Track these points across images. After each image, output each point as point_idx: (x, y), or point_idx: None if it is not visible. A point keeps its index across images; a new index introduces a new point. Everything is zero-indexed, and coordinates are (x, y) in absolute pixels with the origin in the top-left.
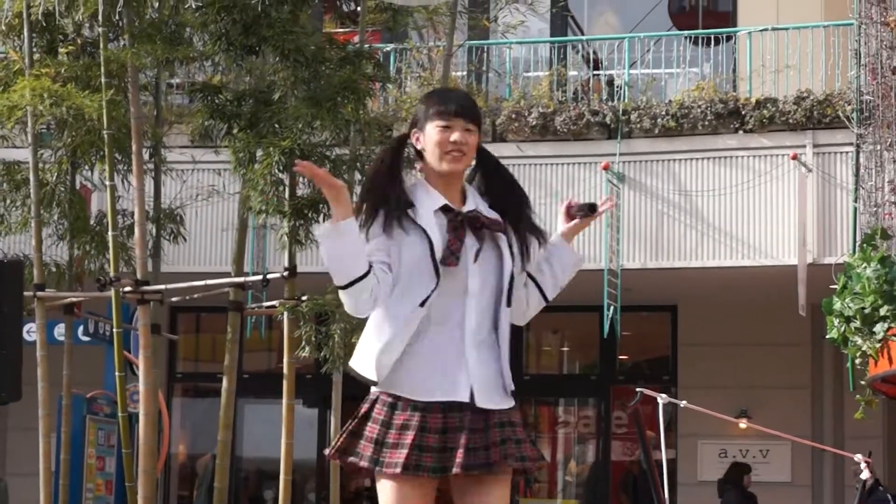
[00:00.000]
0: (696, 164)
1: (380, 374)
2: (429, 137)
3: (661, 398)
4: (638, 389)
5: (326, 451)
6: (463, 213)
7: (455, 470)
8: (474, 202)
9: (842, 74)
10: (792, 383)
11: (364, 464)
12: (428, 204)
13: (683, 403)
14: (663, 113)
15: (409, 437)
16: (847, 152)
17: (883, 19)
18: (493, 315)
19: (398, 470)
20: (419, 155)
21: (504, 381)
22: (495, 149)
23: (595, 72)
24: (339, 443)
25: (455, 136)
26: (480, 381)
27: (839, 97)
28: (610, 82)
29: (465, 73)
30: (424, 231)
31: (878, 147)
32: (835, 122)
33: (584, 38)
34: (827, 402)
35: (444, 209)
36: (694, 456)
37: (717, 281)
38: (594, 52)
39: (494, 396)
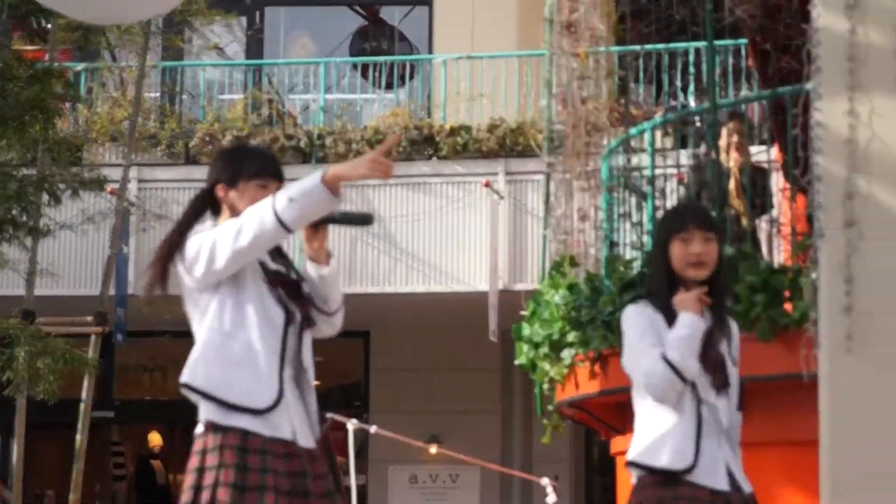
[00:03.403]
0: (390, 189)
1: None
2: (247, 195)
3: (352, 423)
4: (328, 415)
5: None
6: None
7: None
8: None
9: (534, 104)
10: (482, 408)
11: None
12: None
13: (374, 429)
14: (358, 138)
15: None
16: (538, 180)
17: (574, 50)
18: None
19: None
20: (215, 207)
21: None
22: (187, 172)
23: (291, 95)
24: None
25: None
26: None
27: (531, 126)
28: (305, 107)
29: (158, 94)
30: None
31: (568, 176)
32: (527, 151)
33: (280, 61)
34: (516, 427)
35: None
36: (385, 481)
37: (410, 306)
38: (269, 79)
39: None
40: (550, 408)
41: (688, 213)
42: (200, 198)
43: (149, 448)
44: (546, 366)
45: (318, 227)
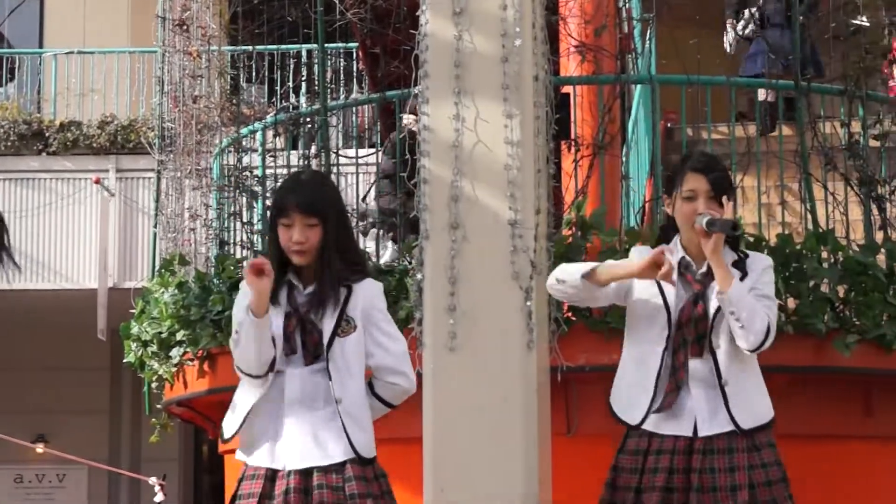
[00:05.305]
0: None
1: None
2: None
3: None
4: None
5: None
6: None
7: None
8: None
9: (146, 101)
10: (91, 407)
11: None
12: None
13: None
14: None
15: None
16: (149, 178)
17: (186, 48)
18: None
19: None
20: None
21: None
22: None
23: None
24: None
25: None
26: None
27: (143, 123)
28: None
29: None
30: None
31: (179, 174)
32: (138, 148)
33: None
34: (125, 426)
35: None
36: None
37: (17, 304)
38: None
39: None
40: (159, 406)
41: (291, 196)
42: None
43: None
44: (155, 364)
45: None
